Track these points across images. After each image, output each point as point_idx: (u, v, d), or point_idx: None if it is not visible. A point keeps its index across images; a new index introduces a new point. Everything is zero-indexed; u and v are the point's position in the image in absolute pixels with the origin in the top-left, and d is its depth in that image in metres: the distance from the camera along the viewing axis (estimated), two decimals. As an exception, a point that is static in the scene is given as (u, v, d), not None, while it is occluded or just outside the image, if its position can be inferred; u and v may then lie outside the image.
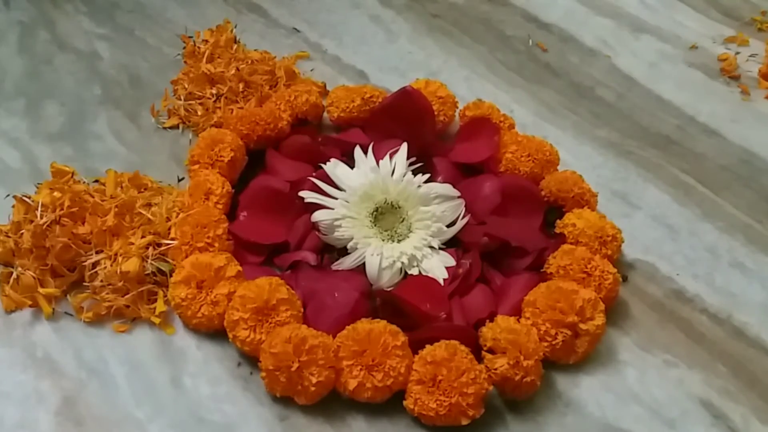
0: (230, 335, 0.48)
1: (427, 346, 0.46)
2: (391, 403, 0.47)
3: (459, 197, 0.56)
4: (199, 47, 0.69)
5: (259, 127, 0.59)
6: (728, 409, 0.49)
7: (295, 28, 0.76)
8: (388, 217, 0.55)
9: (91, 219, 0.52)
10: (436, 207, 0.55)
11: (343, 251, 0.53)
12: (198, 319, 0.49)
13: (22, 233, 0.51)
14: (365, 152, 0.58)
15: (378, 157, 0.57)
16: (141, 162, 0.61)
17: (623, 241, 0.55)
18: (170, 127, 0.65)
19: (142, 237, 0.52)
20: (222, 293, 0.49)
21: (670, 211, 0.61)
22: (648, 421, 0.48)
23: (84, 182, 0.56)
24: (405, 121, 0.60)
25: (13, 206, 0.53)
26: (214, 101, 0.65)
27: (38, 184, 0.55)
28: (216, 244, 0.52)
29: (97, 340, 0.50)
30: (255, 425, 0.46)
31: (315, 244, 0.54)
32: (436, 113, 0.62)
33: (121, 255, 0.51)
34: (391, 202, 0.55)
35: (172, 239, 0.52)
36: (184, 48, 0.70)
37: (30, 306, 0.51)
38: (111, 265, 0.51)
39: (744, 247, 0.58)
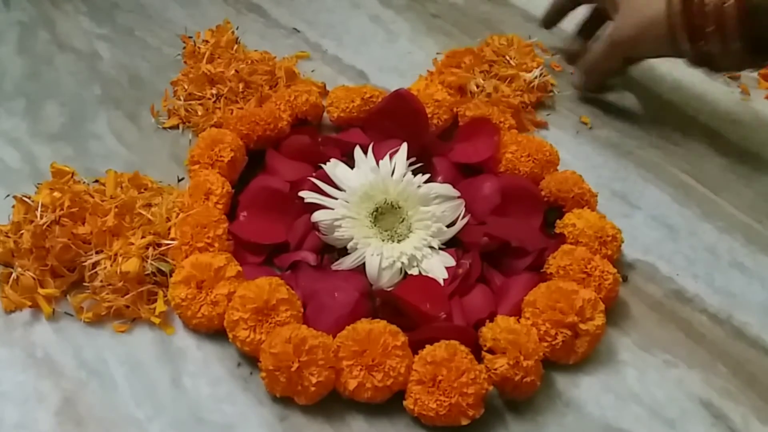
0: (230, 335, 0.48)
1: (427, 346, 0.46)
2: (391, 403, 0.47)
3: (459, 197, 0.56)
4: (199, 48, 0.69)
5: (259, 127, 0.59)
6: (728, 409, 0.49)
7: (295, 28, 0.76)
8: (388, 217, 0.55)
9: (91, 219, 0.52)
10: (436, 207, 0.55)
11: (343, 251, 0.53)
12: (198, 319, 0.49)
13: (22, 233, 0.51)
14: (365, 152, 0.58)
15: (378, 158, 0.57)
16: (141, 162, 0.61)
17: (623, 241, 0.55)
18: (170, 127, 0.65)
19: (142, 237, 0.52)
20: (222, 293, 0.49)
21: (670, 211, 0.61)
22: (648, 421, 0.48)
23: (84, 182, 0.56)
24: (401, 123, 0.60)
25: (13, 206, 0.53)
26: (214, 101, 0.65)
27: (38, 184, 0.55)
28: (216, 244, 0.52)
29: (97, 340, 0.50)
30: (255, 425, 0.46)
31: (315, 244, 0.54)
32: (430, 116, 0.62)
33: (121, 255, 0.51)
34: (391, 203, 0.55)
35: (172, 239, 0.52)
36: (184, 48, 0.70)
37: (30, 306, 0.51)
38: (111, 266, 0.51)
39: (744, 247, 0.58)
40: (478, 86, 0.66)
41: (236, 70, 0.65)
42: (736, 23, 0.56)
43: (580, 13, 0.73)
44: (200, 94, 0.65)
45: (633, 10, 0.62)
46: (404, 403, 0.46)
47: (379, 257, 0.52)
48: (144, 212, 0.53)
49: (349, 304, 0.49)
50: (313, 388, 0.45)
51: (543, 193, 0.57)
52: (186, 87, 0.66)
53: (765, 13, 0.55)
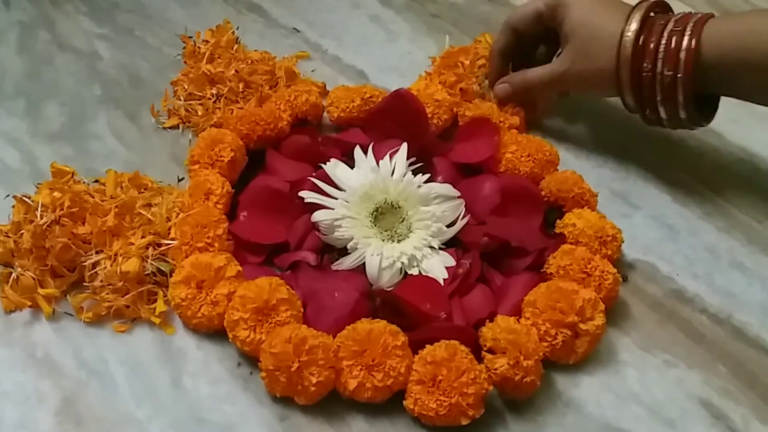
0: (230, 335, 0.48)
1: (427, 346, 0.46)
2: (391, 403, 0.47)
3: (459, 197, 0.56)
4: (199, 47, 0.69)
5: (259, 127, 0.59)
6: (728, 409, 0.49)
7: (295, 28, 0.76)
8: (388, 217, 0.55)
9: (91, 219, 0.52)
10: (436, 207, 0.55)
11: (343, 251, 0.53)
12: (198, 319, 0.49)
13: (22, 233, 0.51)
14: (365, 152, 0.58)
15: (378, 158, 0.57)
16: (141, 162, 0.61)
17: (623, 241, 0.55)
18: (170, 127, 0.65)
19: (142, 237, 0.52)
20: (222, 293, 0.49)
21: (670, 211, 0.61)
22: (648, 421, 0.48)
23: (84, 182, 0.56)
24: (401, 123, 0.60)
25: (13, 206, 0.53)
26: (214, 101, 0.65)
27: (38, 184, 0.55)
28: (216, 244, 0.52)
29: (97, 340, 0.50)
30: (255, 425, 0.46)
31: (315, 244, 0.54)
32: (430, 116, 0.62)
33: (121, 255, 0.51)
34: (391, 202, 0.55)
35: (172, 239, 0.52)
36: (184, 48, 0.70)
37: (30, 306, 0.51)
38: (111, 266, 0.51)
39: (744, 247, 0.58)
40: (478, 86, 0.66)
41: (236, 70, 0.65)
42: (685, 96, 0.54)
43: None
44: (200, 94, 0.65)
45: (583, 52, 0.58)
46: (404, 403, 0.46)
47: (379, 257, 0.52)
48: (144, 212, 0.53)
49: (349, 304, 0.49)
50: (313, 388, 0.45)
51: (543, 193, 0.57)
52: (186, 87, 0.66)
53: (714, 71, 0.53)
